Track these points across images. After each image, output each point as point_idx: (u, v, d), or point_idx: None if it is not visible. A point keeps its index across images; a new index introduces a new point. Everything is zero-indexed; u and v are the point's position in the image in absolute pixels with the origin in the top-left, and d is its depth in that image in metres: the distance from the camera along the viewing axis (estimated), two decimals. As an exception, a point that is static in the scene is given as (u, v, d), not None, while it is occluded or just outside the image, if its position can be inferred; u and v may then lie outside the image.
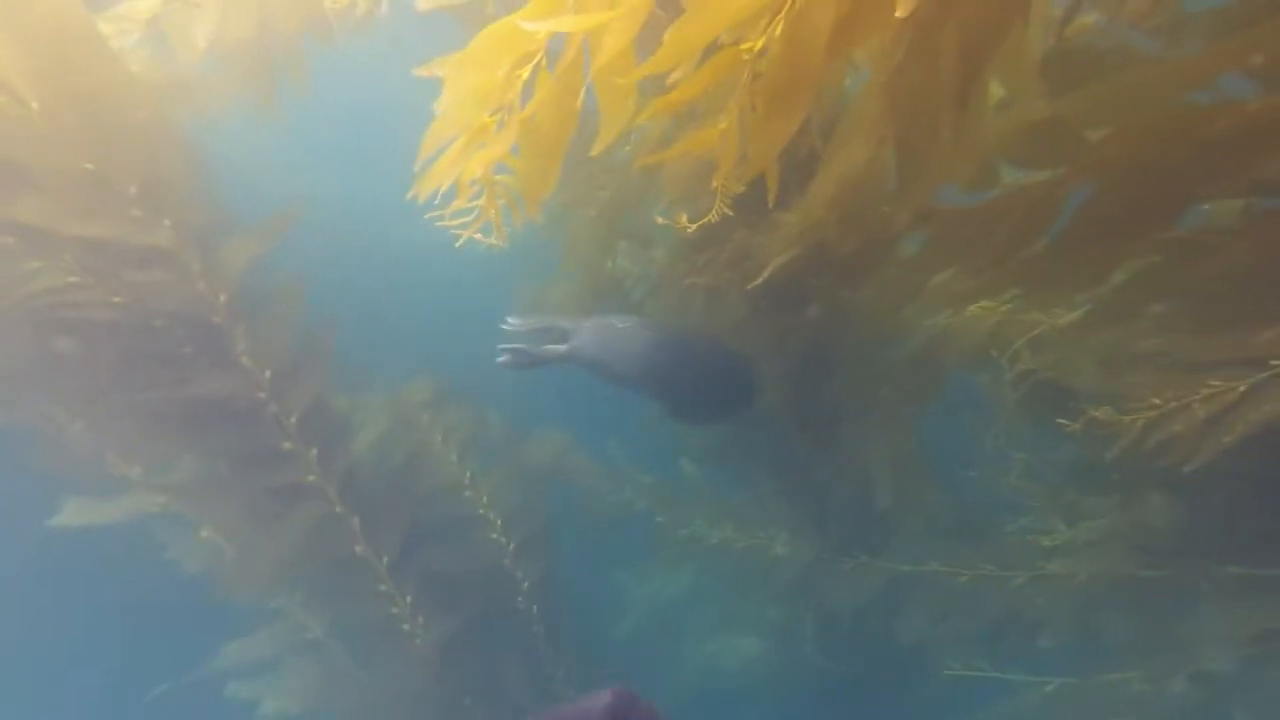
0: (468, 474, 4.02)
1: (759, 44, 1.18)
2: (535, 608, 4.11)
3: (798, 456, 3.87)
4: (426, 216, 1.73)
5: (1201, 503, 2.79)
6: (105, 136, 2.88)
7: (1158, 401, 1.77)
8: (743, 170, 1.42)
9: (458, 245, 1.83)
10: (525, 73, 1.47)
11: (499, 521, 4.01)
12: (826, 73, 1.15)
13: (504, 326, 3.14)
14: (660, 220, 1.97)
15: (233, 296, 3.20)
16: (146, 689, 3.77)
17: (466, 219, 1.75)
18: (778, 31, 1.14)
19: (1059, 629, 3.44)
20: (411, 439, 4.06)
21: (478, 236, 1.78)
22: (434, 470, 4.03)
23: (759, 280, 2.62)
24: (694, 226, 1.64)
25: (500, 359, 3.05)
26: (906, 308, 2.98)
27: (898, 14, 0.99)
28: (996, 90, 1.61)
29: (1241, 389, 1.60)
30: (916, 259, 2.35)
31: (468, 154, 1.60)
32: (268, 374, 3.29)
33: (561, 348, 3.02)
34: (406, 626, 3.68)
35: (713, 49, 1.31)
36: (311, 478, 3.40)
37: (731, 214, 1.68)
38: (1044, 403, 3.00)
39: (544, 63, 1.47)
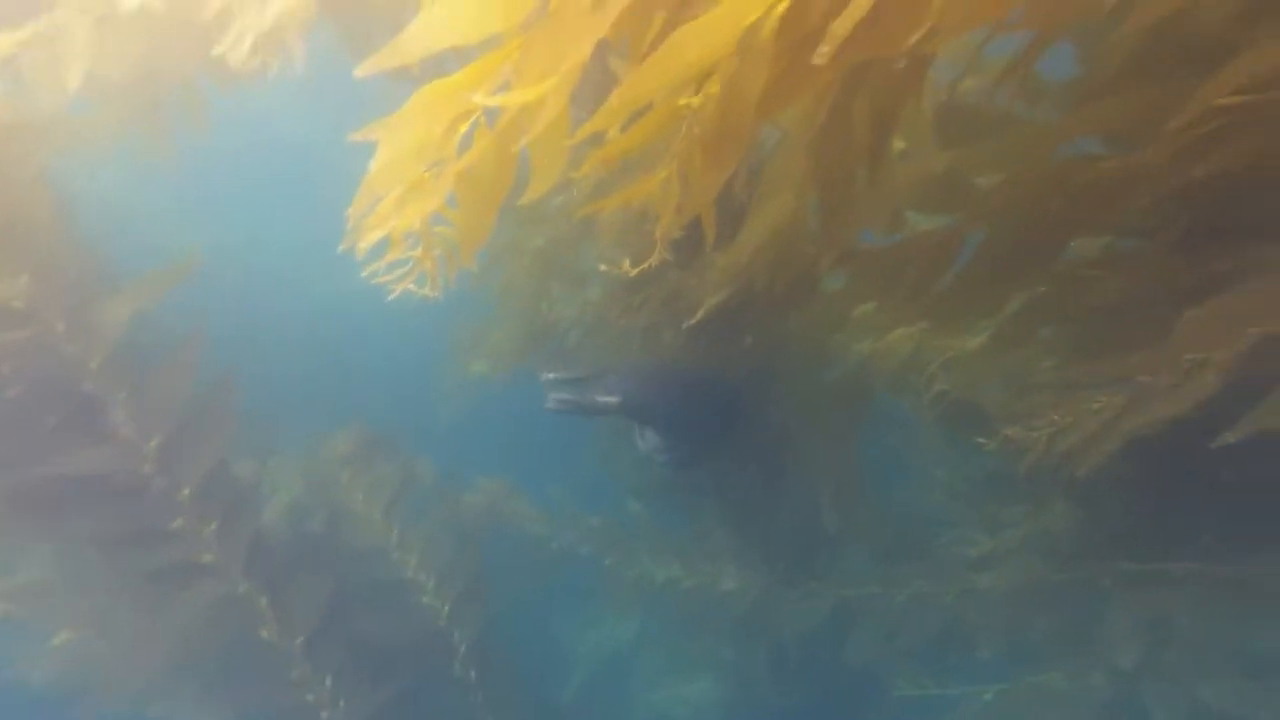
0: (394, 533, 3.79)
1: (697, 102, 1.29)
2: (473, 672, 3.84)
3: (742, 488, 3.96)
4: (366, 272, 1.71)
5: (1095, 507, 3.08)
6: None
7: (1057, 417, 1.98)
8: (681, 216, 1.51)
9: (391, 297, 1.81)
10: (463, 127, 1.51)
11: (431, 582, 3.78)
12: (756, 128, 1.26)
13: (542, 380, 3.05)
14: (603, 266, 2.03)
15: (109, 359, 2.89)
16: None
17: (402, 270, 1.75)
18: (713, 90, 1.25)
19: (992, 638, 3.63)
20: (330, 500, 3.81)
21: (411, 287, 1.78)
22: (357, 532, 3.79)
23: (695, 318, 2.73)
24: (635, 270, 1.71)
25: (548, 405, 2.95)
26: (832, 337, 3.19)
27: (815, 61, 1.12)
28: (898, 145, 1.82)
29: (1121, 403, 1.82)
30: (839, 294, 2.53)
31: (403, 206, 1.61)
32: (153, 444, 2.98)
33: (612, 398, 2.97)
34: (326, 714, 3.32)
35: (646, 107, 1.41)
36: (208, 556, 3.09)
37: (669, 257, 1.78)
38: (959, 421, 3.27)
39: (481, 118, 1.52)
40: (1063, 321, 2.10)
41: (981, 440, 2.39)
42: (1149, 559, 2.96)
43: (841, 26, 1.09)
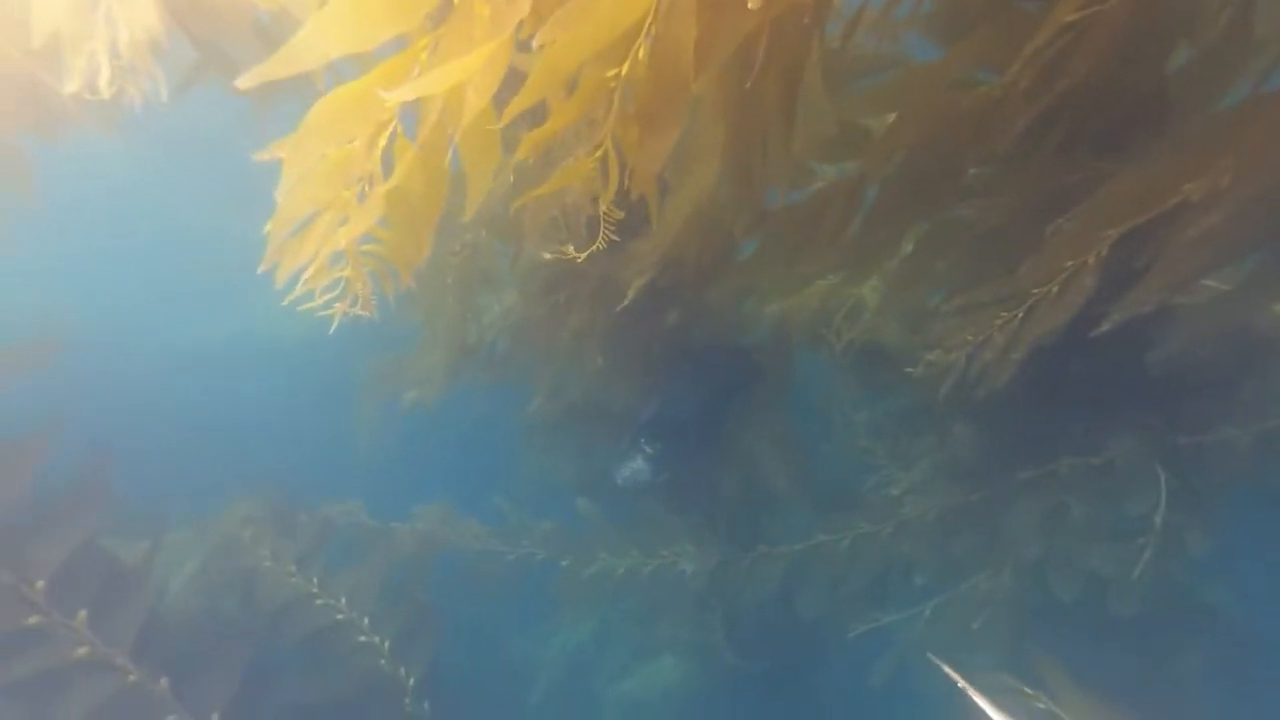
0: (314, 581, 3.51)
1: (624, 69, 1.30)
2: (427, 704, 3.63)
3: (685, 464, 4.04)
4: (287, 300, 1.58)
5: (991, 424, 3.47)
6: None
7: (970, 338, 2.22)
8: (619, 193, 1.52)
9: (331, 329, 1.68)
10: (383, 140, 1.43)
11: (365, 620, 3.53)
12: (690, 90, 1.31)
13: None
14: (547, 255, 2.00)
15: None
16: None
17: (327, 295, 1.63)
18: (641, 54, 1.27)
19: (925, 563, 3.97)
20: (238, 565, 3.46)
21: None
22: (272, 591, 3.48)
23: (625, 302, 2.76)
24: (583, 256, 1.70)
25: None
26: (749, 301, 3.34)
27: (750, 6, 1.16)
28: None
29: (1020, 315, 2.08)
30: (755, 257, 2.66)
31: (328, 230, 1.50)
32: None
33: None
34: None
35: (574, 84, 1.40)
36: (83, 650, 2.73)
37: (604, 242, 1.79)
38: (871, 364, 3.55)
39: (399, 129, 1.44)
40: (955, 252, 2.34)
41: (906, 371, 2.61)
42: (1040, 463, 3.37)
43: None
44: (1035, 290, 1.99)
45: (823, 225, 2.24)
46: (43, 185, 2.98)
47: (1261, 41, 1.63)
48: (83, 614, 2.67)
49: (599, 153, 1.47)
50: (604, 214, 1.63)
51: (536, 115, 1.51)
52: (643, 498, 4.24)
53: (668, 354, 3.65)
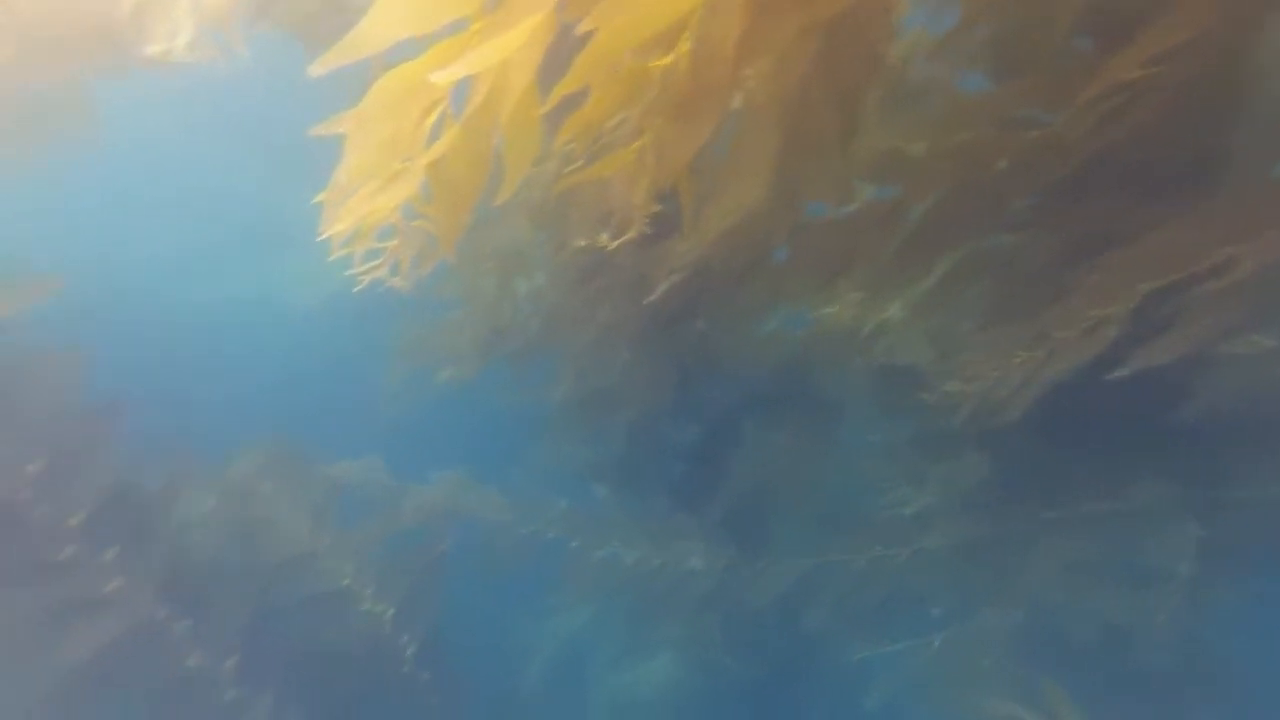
0: (326, 542, 3.59)
1: (668, 60, 1.34)
2: (426, 674, 3.72)
3: (702, 466, 4.07)
4: (332, 258, 1.67)
5: (1014, 459, 3.38)
6: None
7: (991, 371, 2.20)
8: (654, 187, 1.56)
9: (362, 294, 1.77)
10: (430, 119, 1.50)
11: (369, 590, 3.61)
12: (730, 88, 1.33)
13: None
14: (581, 242, 2.06)
15: None
16: None
17: (374, 264, 1.71)
18: (684, 48, 1.31)
19: (939, 593, 3.90)
20: (252, 514, 3.55)
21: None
22: (286, 544, 3.56)
23: (653, 296, 2.80)
24: (614, 244, 1.75)
25: None
26: (778, 311, 3.34)
27: None
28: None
29: (1041, 355, 2.05)
30: (789, 266, 2.67)
31: (376, 199, 1.58)
32: (34, 468, 2.71)
33: None
34: None
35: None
36: (113, 585, 2.85)
37: (642, 233, 1.83)
38: (892, 385, 3.51)
39: (448, 109, 1.51)
40: (984, 282, 2.32)
41: (923, 396, 2.59)
42: (1063, 504, 3.29)
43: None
44: (1059, 334, 1.96)
45: (860, 243, 2.25)
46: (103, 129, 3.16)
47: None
48: (113, 551, 2.81)
49: (638, 144, 1.51)
50: (640, 206, 1.68)
51: (582, 105, 1.56)
52: (657, 492, 4.29)
53: (692, 356, 3.68)
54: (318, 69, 1.32)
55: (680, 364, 3.75)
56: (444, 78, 1.30)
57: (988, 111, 1.72)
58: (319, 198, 1.49)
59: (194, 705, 3.04)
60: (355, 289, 1.78)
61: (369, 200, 1.49)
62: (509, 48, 1.29)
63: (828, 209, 2.28)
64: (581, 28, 1.25)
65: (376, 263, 1.68)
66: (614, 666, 4.93)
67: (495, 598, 4.42)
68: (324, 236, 1.55)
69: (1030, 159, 1.72)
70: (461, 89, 1.49)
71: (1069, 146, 1.69)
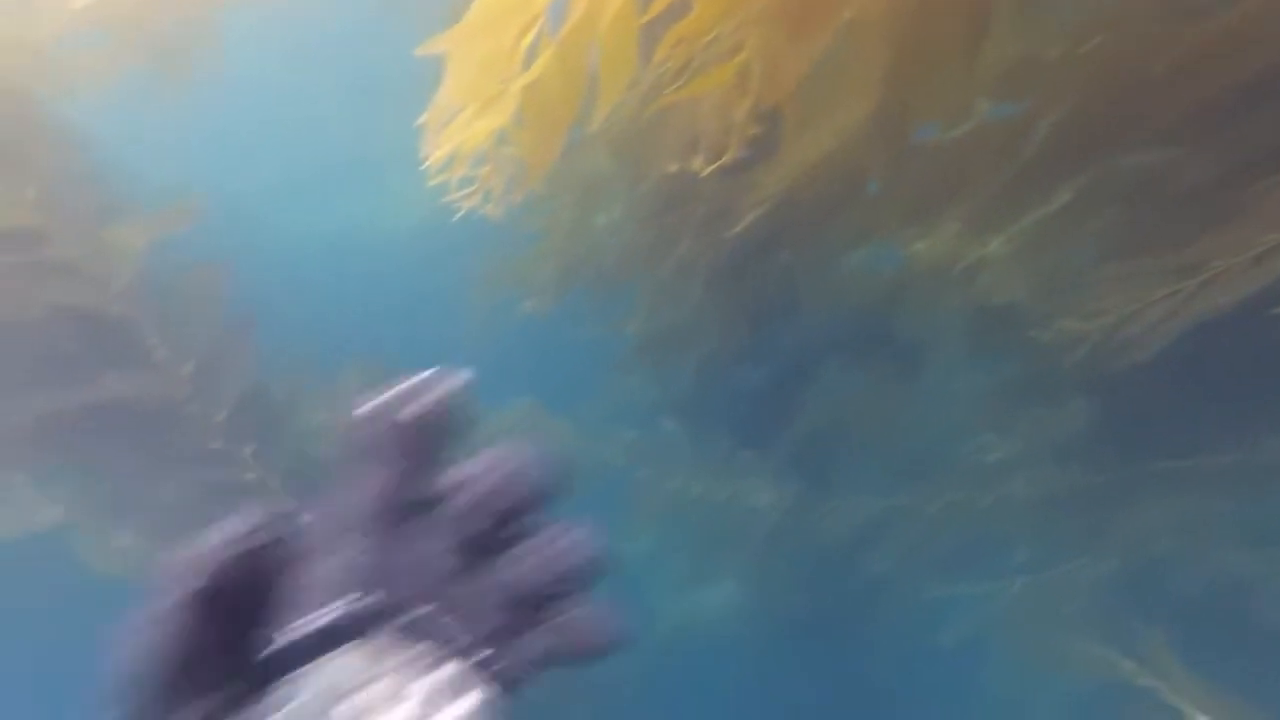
0: None
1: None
2: None
3: (775, 405, 4.03)
4: (431, 183, 1.68)
5: (1128, 405, 3.13)
6: None
7: (1119, 308, 2.00)
8: (765, 97, 1.46)
9: (454, 219, 1.78)
10: (528, 39, 1.44)
11: None
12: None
13: None
14: (673, 167, 1.99)
15: (133, 285, 2.79)
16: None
17: (468, 189, 1.71)
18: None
19: (1025, 541, 3.78)
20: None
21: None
22: None
23: (737, 229, 2.70)
24: (706, 171, 1.68)
25: None
26: (864, 245, 3.15)
27: None
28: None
29: (1188, 291, 1.84)
30: (881, 197, 2.49)
31: (473, 124, 1.56)
32: (188, 369, 2.96)
33: None
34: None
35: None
36: (251, 475, 3.15)
37: (723, 166, 1.73)
38: (987, 324, 3.28)
39: (546, 27, 1.45)
40: (1119, 208, 2.08)
41: (1029, 335, 2.41)
42: (1179, 455, 3.03)
43: None
44: (1219, 262, 1.74)
45: (972, 168, 2.05)
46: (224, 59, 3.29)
47: None
48: (250, 447, 3.12)
49: (740, 58, 1.41)
50: (739, 128, 1.58)
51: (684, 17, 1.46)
52: (726, 429, 4.31)
53: (771, 292, 3.56)
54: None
55: (758, 301, 3.65)
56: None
57: (1151, 3, 1.48)
58: (421, 120, 1.49)
59: None
60: (445, 217, 1.81)
61: (467, 125, 1.48)
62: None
63: (936, 132, 2.08)
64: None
65: (470, 190, 1.69)
66: (676, 591, 5.15)
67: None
68: (424, 163, 1.56)
69: (1198, 61, 1.48)
70: (558, 9, 1.42)
71: (1248, 44, 1.44)
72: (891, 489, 4.12)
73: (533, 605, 0.42)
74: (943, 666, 4.41)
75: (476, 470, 0.43)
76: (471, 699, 0.38)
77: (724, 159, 1.62)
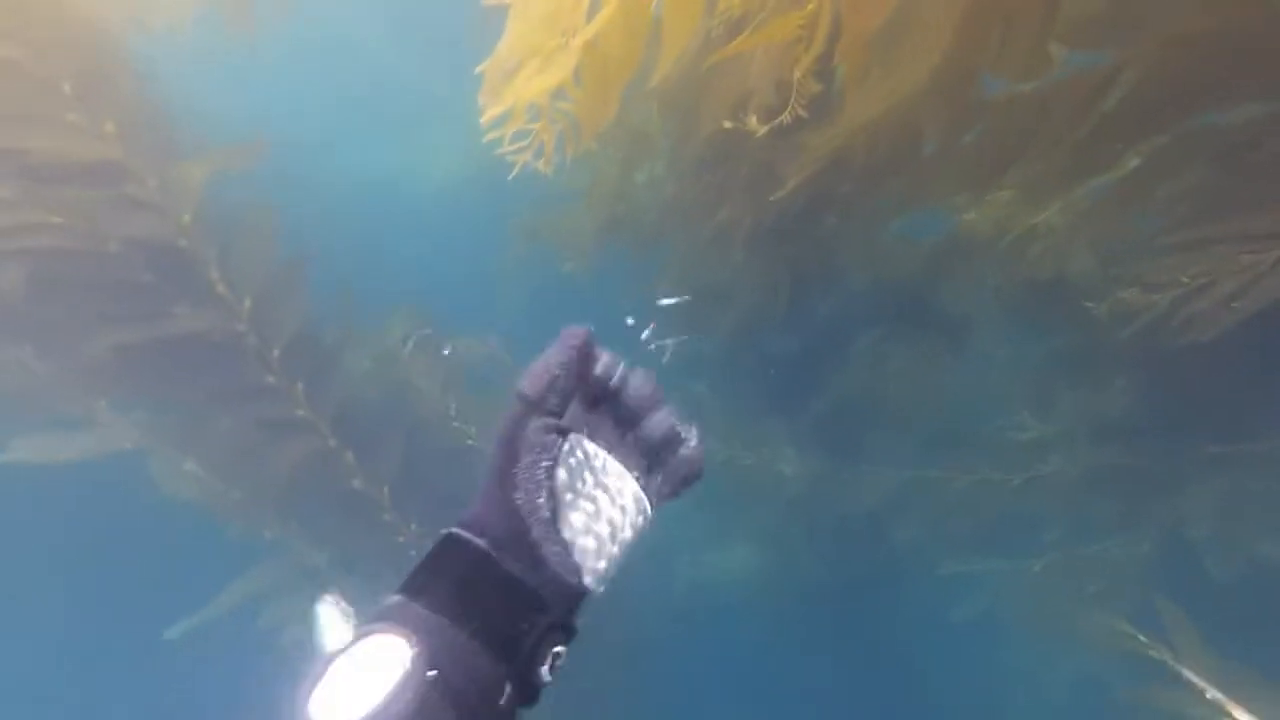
0: (454, 406, 3.95)
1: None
2: None
3: (808, 373, 3.99)
4: (487, 139, 1.66)
5: (1166, 383, 3.01)
6: (28, 19, 2.43)
7: (1186, 280, 1.91)
8: (831, 50, 1.40)
9: (508, 173, 1.77)
10: None
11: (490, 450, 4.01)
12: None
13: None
14: (727, 124, 1.94)
15: (197, 218, 2.86)
16: (151, 627, 3.71)
17: (521, 144, 1.69)
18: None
19: (1055, 520, 3.71)
20: (395, 373, 3.94)
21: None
22: (420, 404, 3.94)
23: (782, 192, 2.63)
24: (763, 131, 1.62)
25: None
26: (911, 212, 3.05)
27: None
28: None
29: (1270, 262, 1.73)
30: (939, 158, 2.37)
31: (533, 79, 1.53)
32: (247, 304, 3.04)
33: None
34: (415, 553, 3.60)
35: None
36: (301, 412, 3.25)
37: (783, 122, 1.67)
38: (1037, 296, 3.17)
39: None
40: (1195, 172, 1.95)
41: (1084, 307, 2.33)
42: (1235, 439, 2.92)
43: None
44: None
45: (1044, 126, 1.95)
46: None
47: None
48: (300, 385, 3.22)
49: (811, 7, 1.35)
50: (798, 84, 1.52)
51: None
52: (757, 394, 4.29)
53: (811, 259, 3.49)
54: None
55: (798, 266, 3.58)
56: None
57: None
58: (481, 68, 1.47)
59: (359, 519, 3.57)
60: (494, 170, 1.80)
61: (527, 81, 1.46)
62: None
63: (1005, 86, 1.97)
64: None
65: (523, 144, 1.67)
66: (697, 550, 5.23)
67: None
68: (478, 115, 1.54)
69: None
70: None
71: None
72: (921, 462, 4.08)
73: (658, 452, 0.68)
74: (959, 640, 4.44)
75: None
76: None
77: (782, 117, 1.56)
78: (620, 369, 0.65)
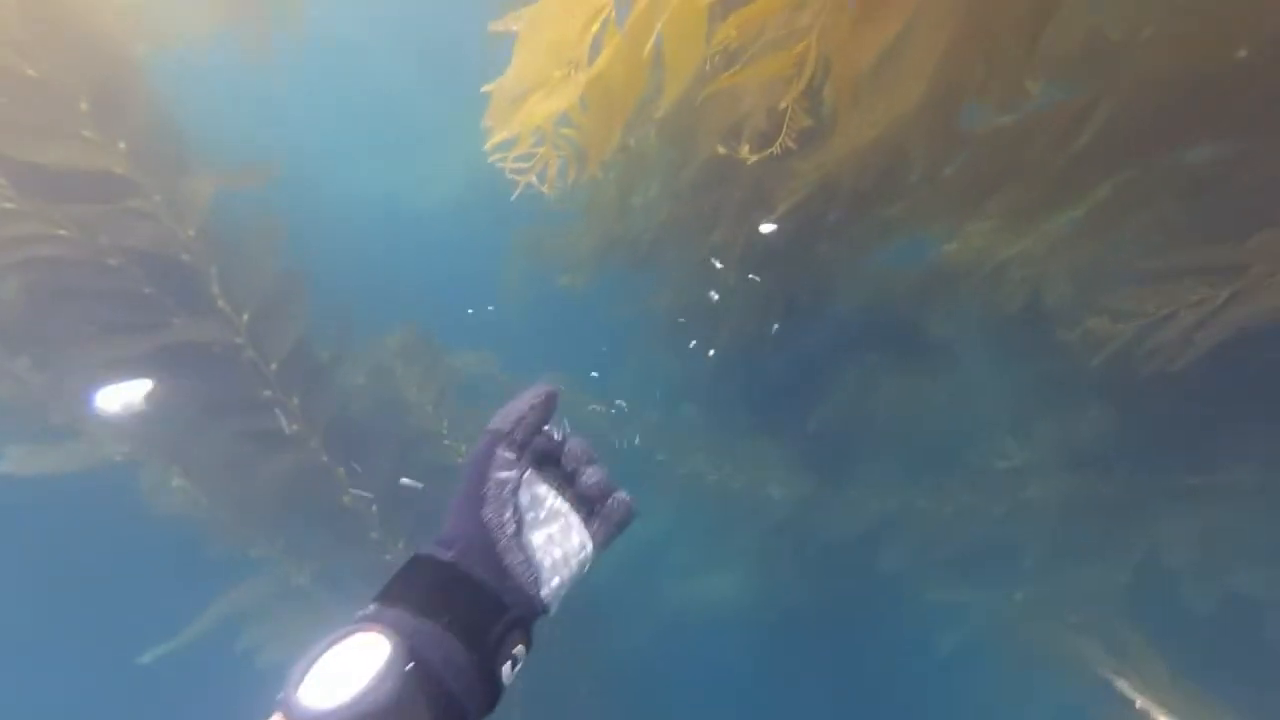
0: (444, 423, 3.97)
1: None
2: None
3: (794, 399, 4.05)
4: (490, 160, 1.73)
5: (1140, 412, 3.09)
6: (52, 38, 2.51)
7: (1152, 310, 1.99)
8: (821, 84, 1.47)
9: (508, 194, 1.83)
10: (595, 27, 1.48)
11: None
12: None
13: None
14: (721, 150, 2.02)
15: (201, 233, 2.93)
16: (134, 646, 3.66)
17: (524, 165, 1.76)
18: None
19: (1036, 548, 3.75)
20: (389, 390, 3.96)
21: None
22: (412, 420, 3.97)
23: (777, 214, 2.71)
24: (753, 157, 1.70)
25: None
26: (896, 239, 3.14)
27: None
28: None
29: (1225, 295, 1.83)
30: (923, 186, 2.47)
31: (538, 106, 1.60)
32: (245, 317, 3.08)
33: None
34: None
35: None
36: (295, 426, 3.29)
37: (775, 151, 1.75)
38: (1013, 323, 3.26)
39: (613, 16, 1.48)
40: (1163, 205, 2.05)
41: (1056, 336, 2.41)
42: (1201, 470, 2.99)
43: None
44: (1261, 267, 1.73)
45: (1023, 156, 2.04)
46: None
47: None
48: (296, 399, 3.24)
49: (802, 45, 1.43)
50: (788, 116, 1.61)
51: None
52: (745, 417, 4.34)
53: (799, 284, 3.57)
54: (497, 26, 1.33)
55: (786, 292, 3.66)
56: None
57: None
58: (487, 88, 1.54)
59: (347, 535, 3.57)
60: (493, 191, 1.86)
61: (533, 107, 1.53)
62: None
63: (986, 118, 2.07)
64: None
65: (526, 167, 1.74)
66: (684, 572, 5.21)
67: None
68: (481, 138, 1.61)
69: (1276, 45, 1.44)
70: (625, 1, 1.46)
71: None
72: (907, 487, 4.12)
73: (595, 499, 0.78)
74: (938, 669, 4.44)
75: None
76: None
77: (773, 147, 1.64)
78: (565, 432, 0.78)
